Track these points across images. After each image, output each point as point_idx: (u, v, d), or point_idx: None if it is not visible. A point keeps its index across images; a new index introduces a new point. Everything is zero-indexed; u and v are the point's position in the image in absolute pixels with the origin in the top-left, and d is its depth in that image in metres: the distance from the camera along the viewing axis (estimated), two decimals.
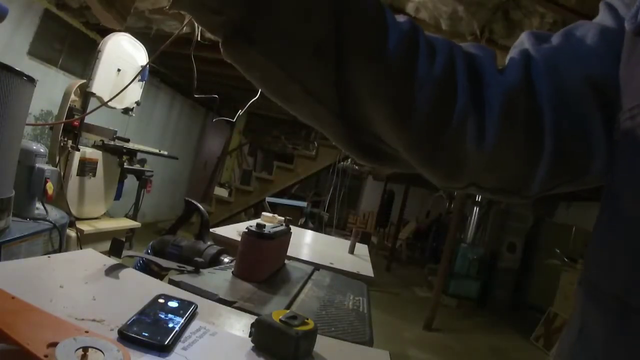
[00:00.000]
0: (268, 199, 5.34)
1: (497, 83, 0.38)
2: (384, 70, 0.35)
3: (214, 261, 1.03)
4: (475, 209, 5.91)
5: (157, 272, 0.97)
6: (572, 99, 0.36)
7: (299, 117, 0.41)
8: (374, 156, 0.42)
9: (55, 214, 1.67)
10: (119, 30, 2.64)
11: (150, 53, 2.80)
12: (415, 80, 0.36)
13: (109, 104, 2.32)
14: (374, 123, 0.38)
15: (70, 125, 2.39)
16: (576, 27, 0.39)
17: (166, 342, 0.48)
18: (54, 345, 0.38)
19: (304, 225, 4.87)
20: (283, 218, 1.35)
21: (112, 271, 0.70)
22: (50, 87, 3.57)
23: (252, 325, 0.56)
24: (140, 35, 2.86)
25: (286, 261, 1.16)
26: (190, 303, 0.60)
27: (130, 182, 3.06)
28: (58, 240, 1.61)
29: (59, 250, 1.62)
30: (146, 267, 1.00)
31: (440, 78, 0.36)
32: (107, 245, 0.86)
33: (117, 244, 0.81)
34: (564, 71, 0.37)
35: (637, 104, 0.29)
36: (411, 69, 0.36)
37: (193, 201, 1.26)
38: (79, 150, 2.44)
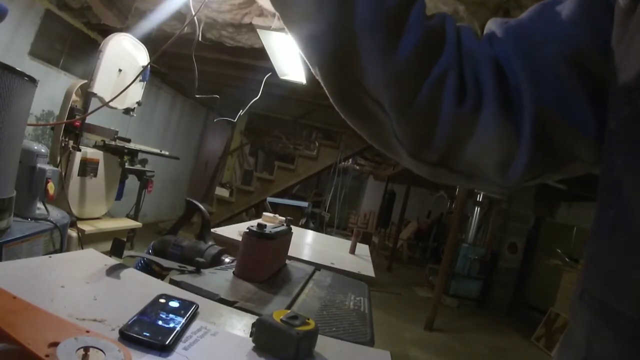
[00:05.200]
0: (269, 199, 5.34)
1: (482, 51, 0.37)
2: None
3: (215, 261, 1.03)
4: (477, 209, 5.91)
5: (158, 272, 0.97)
6: (549, 77, 0.34)
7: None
8: (355, 110, 0.40)
9: (56, 214, 1.67)
10: (121, 30, 2.64)
11: (151, 53, 2.80)
12: (406, 23, 0.35)
13: (110, 104, 2.32)
14: (360, 55, 0.36)
15: (72, 126, 2.39)
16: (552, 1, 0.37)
17: (167, 342, 0.48)
18: (55, 345, 0.38)
19: (305, 226, 4.87)
20: (284, 218, 1.35)
21: (113, 271, 0.70)
22: (52, 88, 3.57)
23: (253, 325, 0.56)
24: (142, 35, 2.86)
25: (287, 261, 1.16)
26: (191, 303, 0.60)
27: (132, 182, 3.06)
28: (59, 240, 1.61)
29: (60, 250, 1.62)
30: (147, 267, 1.00)
31: (432, 26, 0.36)
32: (108, 245, 0.86)
33: (118, 244, 0.81)
34: (536, 49, 0.35)
35: (636, 87, 0.26)
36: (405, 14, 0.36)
37: (194, 201, 1.26)
38: (80, 150, 2.44)
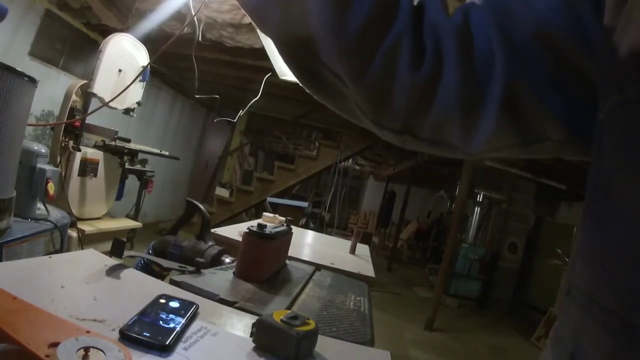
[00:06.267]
0: (269, 199, 5.34)
1: (448, 21, 0.36)
2: None
3: (215, 261, 1.03)
4: (477, 209, 5.91)
5: (158, 273, 0.97)
6: (523, 55, 0.34)
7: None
8: (318, 84, 0.41)
9: (56, 214, 1.67)
10: (121, 30, 2.64)
11: (151, 53, 2.81)
12: None
13: (110, 104, 2.32)
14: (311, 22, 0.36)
15: (72, 126, 2.39)
16: None
17: (167, 342, 0.48)
18: (55, 345, 0.38)
19: (305, 226, 4.86)
20: (284, 218, 1.35)
21: (113, 271, 0.70)
22: (52, 88, 3.57)
23: (253, 325, 0.56)
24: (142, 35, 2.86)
25: (287, 261, 1.16)
26: (191, 303, 0.60)
27: (132, 182, 3.06)
28: (59, 240, 1.61)
29: (60, 250, 1.62)
30: (147, 268, 1.00)
31: None
32: (108, 246, 0.86)
33: (118, 244, 0.81)
34: (513, 25, 0.34)
35: (626, 74, 0.25)
36: None
37: (194, 201, 1.26)
38: (80, 150, 2.44)
